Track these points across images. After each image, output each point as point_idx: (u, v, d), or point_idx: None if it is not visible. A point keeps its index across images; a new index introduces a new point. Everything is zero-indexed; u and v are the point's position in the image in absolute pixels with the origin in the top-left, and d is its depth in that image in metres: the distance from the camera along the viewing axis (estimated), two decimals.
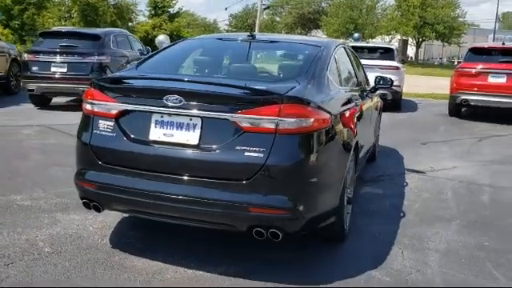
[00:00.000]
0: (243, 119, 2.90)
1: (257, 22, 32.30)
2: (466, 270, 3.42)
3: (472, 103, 10.33)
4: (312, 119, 2.97)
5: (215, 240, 3.68)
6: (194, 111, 2.97)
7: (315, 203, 3.12)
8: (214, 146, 2.96)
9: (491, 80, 10.12)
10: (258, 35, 4.12)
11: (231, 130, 2.92)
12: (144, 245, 3.61)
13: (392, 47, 12.82)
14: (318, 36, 45.51)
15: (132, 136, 3.11)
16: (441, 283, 3.21)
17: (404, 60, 16.73)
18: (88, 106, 3.31)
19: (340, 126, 3.46)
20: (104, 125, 3.17)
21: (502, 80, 10.02)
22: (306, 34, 53.97)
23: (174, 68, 3.93)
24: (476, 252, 3.74)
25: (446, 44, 43.97)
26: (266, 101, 2.93)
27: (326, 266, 3.40)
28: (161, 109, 3.03)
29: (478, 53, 10.85)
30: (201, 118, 2.97)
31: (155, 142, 3.05)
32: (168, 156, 3.04)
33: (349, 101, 3.95)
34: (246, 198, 2.91)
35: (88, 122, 3.29)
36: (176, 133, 3.01)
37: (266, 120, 2.88)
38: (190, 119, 2.99)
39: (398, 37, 43.23)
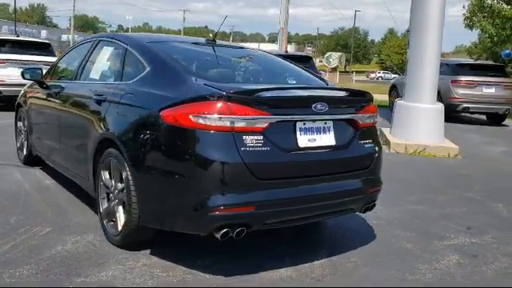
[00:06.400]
0: (360, 118, 3.52)
1: None
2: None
3: None
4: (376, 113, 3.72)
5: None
6: (329, 116, 3.36)
7: None
8: (345, 144, 3.42)
9: None
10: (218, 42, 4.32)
11: (352, 128, 3.49)
12: (229, 259, 3.38)
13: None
14: None
15: (283, 146, 3.17)
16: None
17: None
18: (223, 123, 2.99)
19: None
20: (252, 140, 3.05)
21: None
22: None
23: (229, 73, 3.91)
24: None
25: None
26: (368, 100, 3.62)
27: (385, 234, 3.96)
28: (305, 116, 3.26)
29: None
30: (332, 120, 3.38)
31: (304, 148, 3.25)
32: (316, 160, 3.31)
33: None
34: (367, 182, 3.52)
35: (226, 139, 3.01)
36: (317, 137, 3.31)
37: (370, 117, 3.60)
38: (325, 123, 3.35)
39: None
